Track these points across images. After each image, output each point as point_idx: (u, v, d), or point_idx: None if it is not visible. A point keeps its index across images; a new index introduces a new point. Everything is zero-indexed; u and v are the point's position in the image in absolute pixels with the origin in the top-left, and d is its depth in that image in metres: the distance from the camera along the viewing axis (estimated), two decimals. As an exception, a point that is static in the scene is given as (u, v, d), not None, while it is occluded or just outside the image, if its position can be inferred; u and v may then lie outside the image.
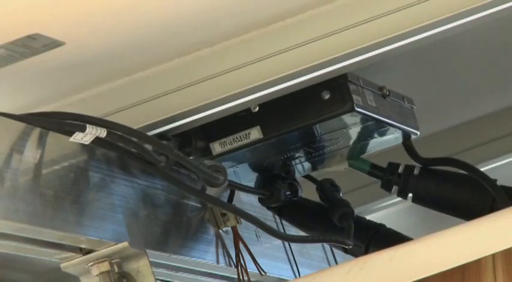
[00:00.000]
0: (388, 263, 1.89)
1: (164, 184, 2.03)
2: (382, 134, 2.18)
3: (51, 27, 1.73)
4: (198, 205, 2.09)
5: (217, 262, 2.10)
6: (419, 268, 1.86)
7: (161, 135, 2.00)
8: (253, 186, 2.22)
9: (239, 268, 2.09)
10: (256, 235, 2.16)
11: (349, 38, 1.94)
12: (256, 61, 1.97)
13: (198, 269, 2.11)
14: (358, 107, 2.00)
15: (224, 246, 2.08)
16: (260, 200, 2.23)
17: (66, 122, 1.79)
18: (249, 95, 2.00)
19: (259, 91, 1.99)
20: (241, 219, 2.11)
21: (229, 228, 2.10)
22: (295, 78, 1.98)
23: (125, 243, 1.85)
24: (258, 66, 1.97)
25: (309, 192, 2.30)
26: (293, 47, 1.95)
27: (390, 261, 1.89)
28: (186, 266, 2.08)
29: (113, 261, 1.85)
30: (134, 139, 1.89)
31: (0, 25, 1.69)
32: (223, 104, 2.01)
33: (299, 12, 1.96)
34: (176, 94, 2.00)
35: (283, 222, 2.25)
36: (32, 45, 1.76)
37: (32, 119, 1.78)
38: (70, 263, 1.87)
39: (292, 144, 2.14)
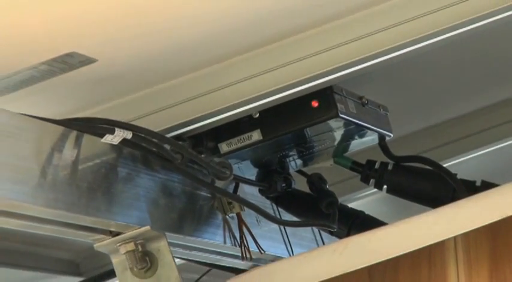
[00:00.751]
0: (367, 244, 1.89)
1: (180, 178, 2.03)
2: (361, 136, 2.21)
3: (86, 46, 1.74)
4: (208, 195, 2.10)
5: (225, 242, 2.11)
6: (393, 248, 1.87)
7: (178, 137, 2.01)
8: (254, 179, 2.24)
9: (242, 247, 2.11)
10: (256, 220, 2.18)
11: (334, 56, 1.95)
12: (257, 75, 1.97)
13: (209, 248, 2.13)
14: (341, 114, 2.02)
15: (230, 230, 2.11)
16: (260, 191, 2.24)
17: (98, 126, 1.81)
18: (251, 103, 2.01)
19: (259, 100, 2.00)
20: (244, 207, 2.11)
21: (235, 214, 2.11)
22: (289, 89, 1.99)
23: (147, 227, 1.86)
24: (259, 79, 1.98)
25: (300, 184, 2.32)
26: (288, 63, 1.96)
27: (369, 242, 1.89)
28: (199, 246, 2.10)
29: (137, 242, 1.86)
30: (155, 140, 1.91)
31: (43, 44, 1.71)
32: (229, 111, 2.01)
33: (293, 34, 1.96)
34: (190, 102, 2.00)
35: (280, 209, 2.27)
36: (70, 61, 1.77)
37: (70, 124, 1.79)
38: (101, 244, 1.88)
39: (287, 145, 2.15)
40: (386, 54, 1.96)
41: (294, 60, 1.97)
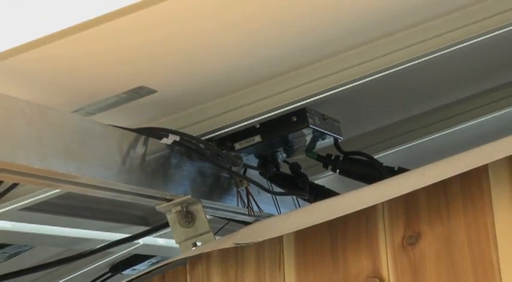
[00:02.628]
0: (327, 206, 1.83)
1: (210, 165, 2.05)
2: (323, 139, 2.22)
3: (150, 82, 1.75)
4: (227, 176, 2.12)
5: (237, 205, 2.12)
6: (343, 209, 1.78)
7: (208, 139, 2.02)
8: (256, 166, 2.24)
9: (249, 208, 2.13)
10: (257, 191, 2.18)
11: (306, 89, 1.95)
12: (259, 100, 1.99)
13: (227, 209, 2.16)
14: (311, 125, 2.06)
15: (241, 197, 2.11)
16: (260, 173, 2.25)
17: (158, 133, 1.84)
18: (254, 118, 2.03)
19: (259, 116, 2.02)
20: (250, 183, 2.13)
21: (244, 188, 2.12)
22: (279, 109, 2.01)
23: (189, 196, 1.90)
24: (260, 103, 1.99)
25: (285, 169, 2.34)
26: (278, 92, 1.97)
27: (328, 205, 1.83)
28: (221, 207, 2.13)
29: (183, 205, 1.91)
30: (194, 141, 1.95)
31: (124, 80, 1.73)
32: (240, 123, 2.02)
33: (283, 74, 1.96)
34: (216, 118, 2.00)
35: (272, 185, 2.29)
36: (140, 92, 1.78)
37: (140, 131, 1.82)
38: (161, 206, 1.92)
39: (277, 144, 2.17)
40: (336, 89, 1.96)
41: (283, 91, 1.97)
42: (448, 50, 1.92)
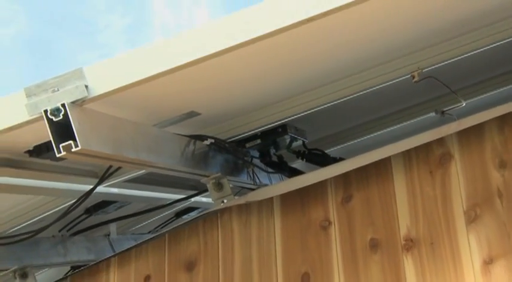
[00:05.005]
0: (298, 180, 1.82)
1: (231, 156, 1.96)
2: (296, 141, 2.10)
3: (197, 108, 1.66)
4: (241, 162, 2.02)
5: (247, 179, 2.03)
6: (307, 181, 1.78)
7: (232, 141, 1.95)
8: (258, 157, 2.12)
9: (254, 181, 2.04)
10: (258, 171, 2.09)
11: (287, 113, 1.88)
12: (262, 118, 1.90)
13: (241, 181, 2.04)
14: (289, 133, 1.98)
15: (249, 175, 2.04)
16: (260, 161, 2.14)
17: (201, 137, 1.78)
18: (258, 129, 1.94)
19: (260, 128, 1.93)
20: (254, 166, 2.05)
21: (251, 169, 2.04)
22: (271, 124, 1.92)
23: (219, 174, 1.85)
24: (261, 120, 1.89)
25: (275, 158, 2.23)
26: (273, 114, 1.89)
27: (299, 179, 1.82)
28: (238, 181, 2.02)
29: (216, 179, 1.84)
30: (222, 142, 1.89)
31: (178, 106, 1.63)
32: (249, 132, 1.94)
33: (275, 102, 1.86)
34: (236, 129, 1.91)
35: (268, 167, 2.18)
36: (189, 115, 1.68)
37: (191, 136, 1.76)
38: (204, 180, 1.86)
39: (270, 144, 2.07)
40: (303, 113, 1.88)
41: (274, 113, 1.88)
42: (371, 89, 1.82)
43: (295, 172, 2.21)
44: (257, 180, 2.05)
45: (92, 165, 1.81)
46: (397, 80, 1.73)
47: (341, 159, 2.07)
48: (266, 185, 2.06)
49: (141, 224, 2.72)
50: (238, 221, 1.88)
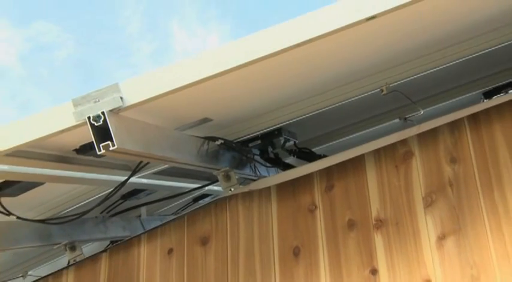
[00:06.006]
0: (290, 172, 1.78)
1: (237, 153, 1.90)
2: (289, 141, 2.00)
3: (210, 115, 1.63)
4: (245, 158, 1.94)
5: (250, 172, 1.97)
6: (297, 174, 1.75)
7: (237, 141, 1.89)
8: (258, 154, 2.03)
9: (255, 173, 1.99)
10: (259, 166, 2.05)
11: (281, 119, 1.83)
12: (262, 123, 1.84)
13: (245, 173, 1.97)
14: (283, 135, 1.91)
15: (252, 168, 1.98)
16: (260, 157, 2.04)
17: (214, 138, 1.74)
18: (259, 132, 1.88)
19: (261, 131, 1.87)
20: (256, 162, 1.99)
21: (253, 164, 1.98)
22: (269, 128, 1.87)
23: (228, 168, 1.82)
24: (262, 125, 1.83)
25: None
26: (271, 119, 1.83)
27: (291, 172, 1.79)
28: (242, 173, 1.95)
29: (225, 172, 1.82)
30: (230, 142, 1.84)
31: (194, 113, 1.58)
32: (252, 134, 1.88)
33: (272, 110, 1.80)
34: (242, 131, 1.86)
35: (267, 162, 2.11)
36: (203, 120, 1.65)
37: (205, 138, 1.70)
38: (215, 172, 1.83)
39: (268, 144, 1.97)
40: (294, 119, 1.83)
41: (273, 119, 1.82)
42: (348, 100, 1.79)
43: (288, 166, 2.17)
44: (258, 173, 2.03)
45: (126, 160, 1.81)
46: (370, 93, 1.73)
47: (324, 156, 2.06)
48: (265, 176, 2.04)
49: (165, 208, 2.70)
50: (242, 205, 1.87)
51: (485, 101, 2.07)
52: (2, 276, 2.18)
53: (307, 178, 1.78)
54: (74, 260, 2.01)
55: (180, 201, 2.72)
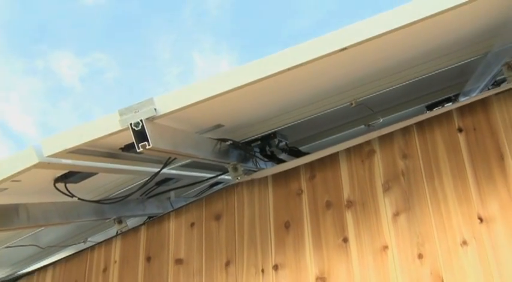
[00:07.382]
0: (283, 165, 1.74)
1: (242, 151, 1.80)
2: (282, 142, 1.86)
3: (222, 121, 1.55)
4: (249, 155, 1.83)
5: (252, 165, 1.86)
6: (288, 167, 1.70)
7: (243, 142, 1.80)
8: (259, 152, 1.88)
9: (256, 166, 1.88)
10: (260, 160, 1.94)
11: (276, 124, 1.74)
12: (263, 127, 1.75)
13: (249, 167, 1.86)
14: (278, 137, 1.82)
15: (253, 162, 1.87)
16: (260, 154, 1.88)
17: (224, 140, 1.68)
18: (260, 134, 1.78)
19: (261, 134, 1.77)
20: (256, 158, 1.87)
21: (254, 159, 1.87)
22: (267, 132, 1.78)
23: (235, 162, 1.74)
24: (263, 128, 1.73)
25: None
26: (269, 124, 1.73)
27: (283, 165, 1.75)
28: (247, 166, 1.85)
29: (233, 165, 1.70)
30: (237, 143, 1.75)
31: (209, 120, 1.50)
32: (255, 136, 1.79)
33: (271, 117, 1.70)
34: (247, 133, 1.77)
35: (266, 159, 2.01)
36: (217, 126, 1.57)
37: (218, 139, 1.64)
38: (226, 165, 1.77)
39: (266, 144, 1.83)
40: (286, 125, 1.74)
41: (271, 124, 1.73)
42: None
43: (281, 161, 2.00)
44: (258, 166, 1.97)
45: (159, 156, 1.74)
46: (342, 105, 1.71)
47: (308, 153, 1.92)
48: (263, 168, 1.96)
49: (189, 192, 2.60)
50: (247, 190, 1.83)
51: (427, 112, 2.11)
52: (69, 242, 2.23)
53: (296, 170, 1.76)
54: (121, 231, 2.01)
55: (200, 187, 2.61)
